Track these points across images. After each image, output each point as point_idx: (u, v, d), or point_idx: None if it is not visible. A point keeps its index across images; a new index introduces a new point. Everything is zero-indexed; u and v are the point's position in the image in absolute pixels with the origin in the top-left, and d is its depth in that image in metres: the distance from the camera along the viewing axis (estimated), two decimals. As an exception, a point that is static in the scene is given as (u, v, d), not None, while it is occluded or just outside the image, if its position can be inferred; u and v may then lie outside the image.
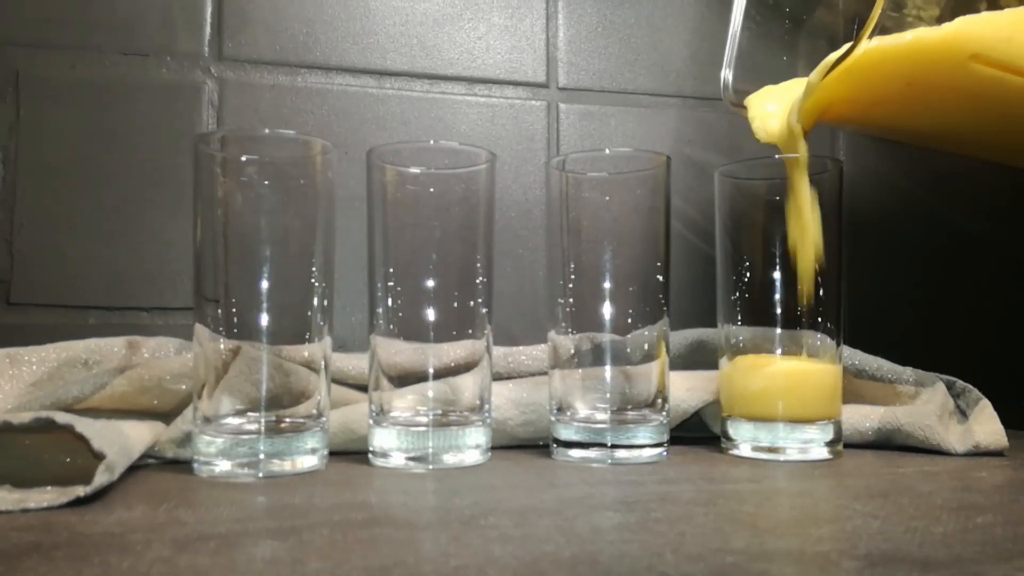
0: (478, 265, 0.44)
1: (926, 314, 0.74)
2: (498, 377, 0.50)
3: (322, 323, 0.41)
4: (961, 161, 0.73)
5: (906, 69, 0.43)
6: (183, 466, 0.40)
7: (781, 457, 0.45)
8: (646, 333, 0.45)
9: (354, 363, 0.48)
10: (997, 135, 0.48)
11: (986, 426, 0.46)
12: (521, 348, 0.53)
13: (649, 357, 0.45)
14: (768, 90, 0.51)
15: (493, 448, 0.44)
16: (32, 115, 0.58)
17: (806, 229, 0.45)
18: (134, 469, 0.38)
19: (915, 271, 0.74)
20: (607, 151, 0.49)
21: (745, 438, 0.46)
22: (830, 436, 0.45)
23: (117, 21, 0.60)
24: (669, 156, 0.46)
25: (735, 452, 0.46)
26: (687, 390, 0.50)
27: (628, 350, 0.45)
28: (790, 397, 0.45)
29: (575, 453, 0.44)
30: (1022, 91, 0.43)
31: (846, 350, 0.51)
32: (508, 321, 0.64)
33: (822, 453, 0.45)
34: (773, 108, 0.49)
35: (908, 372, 0.51)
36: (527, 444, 0.48)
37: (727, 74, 0.51)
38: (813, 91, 0.45)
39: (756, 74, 0.51)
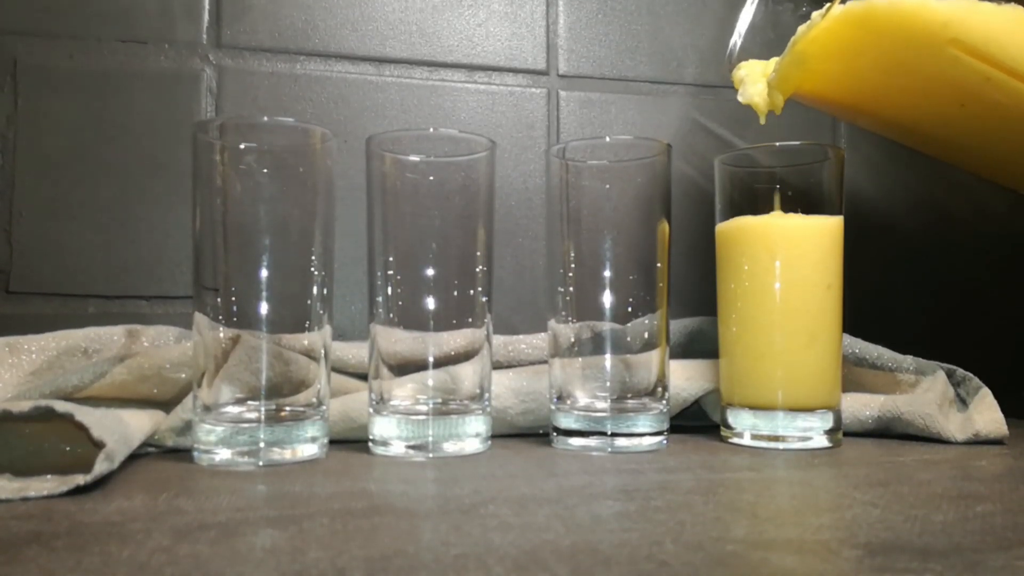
0: (478, 253, 0.43)
1: (927, 302, 0.74)
2: (498, 366, 0.50)
3: (322, 312, 0.41)
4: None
5: (884, 41, 0.42)
6: (183, 455, 0.40)
7: (781, 445, 0.45)
8: (646, 322, 0.45)
9: (354, 352, 0.48)
10: (981, 139, 0.48)
11: (986, 415, 0.46)
12: (521, 337, 0.53)
13: (649, 345, 0.45)
14: (758, 62, 0.50)
15: (493, 437, 0.45)
16: (30, 104, 0.57)
17: None
18: (134, 458, 0.38)
19: (916, 259, 0.74)
20: (607, 139, 0.49)
21: (745, 426, 0.46)
22: (829, 424, 0.45)
23: (115, 9, 0.59)
24: (670, 144, 0.45)
25: (735, 441, 0.46)
26: (687, 379, 0.50)
27: (628, 339, 0.44)
28: (789, 383, 0.45)
29: (575, 441, 0.44)
30: (1002, 88, 0.42)
31: (846, 338, 0.51)
32: (508, 310, 0.64)
33: (822, 441, 0.45)
34: (757, 73, 0.49)
35: (908, 360, 0.51)
36: (527, 433, 0.48)
37: (735, 41, 0.51)
38: (794, 48, 0.45)
39: (765, 49, 0.51)
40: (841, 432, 0.46)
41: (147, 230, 0.59)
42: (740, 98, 0.49)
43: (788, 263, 0.45)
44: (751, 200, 0.47)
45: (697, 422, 0.51)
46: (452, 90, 0.66)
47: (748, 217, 0.46)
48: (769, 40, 0.51)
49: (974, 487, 0.34)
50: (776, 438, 0.45)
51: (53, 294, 0.57)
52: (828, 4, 0.42)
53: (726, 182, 0.48)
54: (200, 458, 0.38)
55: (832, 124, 0.73)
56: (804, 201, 0.46)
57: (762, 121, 0.48)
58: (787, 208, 0.46)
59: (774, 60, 0.49)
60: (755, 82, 0.48)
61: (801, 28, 0.45)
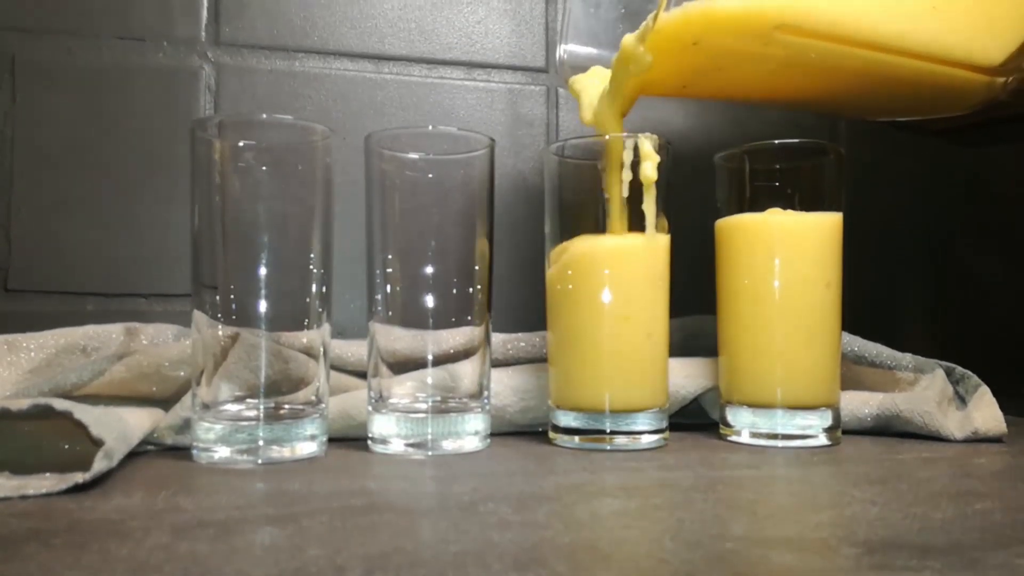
0: (477, 251, 0.43)
1: (927, 300, 0.74)
2: (497, 364, 0.50)
3: (321, 309, 0.41)
4: (963, 150, 0.72)
5: (714, 40, 0.42)
6: (182, 452, 0.40)
7: (779, 443, 0.45)
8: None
9: (353, 350, 0.48)
10: (830, 94, 0.48)
11: (985, 412, 0.46)
12: (520, 335, 0.53)
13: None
14: (597, 70, 0.49)
15: (492, 434, 0.44)
16: (28, 100, 0.57)
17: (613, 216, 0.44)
18: (133, 456, 0.38)
19: (916, 257, 0.74)
20: (607, 137, 0.49)
21: (744, 424, 0.46)
22: (828, 422, 0.45)
23: (114, 6, 0.59)
24: (668, 141, 0.45)
25: (734, 439, 0.46)
26: (685, 376, 0.50)
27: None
28: (788, 381, 0.45)
29: (574, 439, 0.44)
30: (835, 55, 0.42)
31: (845, 336, 0.51)
32: (507, 307, 0.64)
33: (821, 439, 0.45)
34: (594, 88, 0.47)
35: (907, 358, 0.51)
36: (526, 430, 0.48)
37: (562, 50, 0.49)
38: (626, 62, 0.44)
39: (594, 45, 0.50)
40: (840, 430, 0.46)
41: (146, 227, 0.59)
42: (583, 117, 0.47)
43: (786, 260, 0.45)
44: (751, 197, 0.47)
45: (696, 420, 0.51)
46: (451, 87, 0.65)
47: (747, 214, 0.47)
48: (596, 35, 0.50)
49: (973, 485, 0.34)
50: (775, 436, 0.45)
51: (52, 292, 0.57)
52: (655, 10, 0.42)
53: (725, 179, 0.48)
54: (199, 456, 0.38)
55: (831, 122, 0.73)
56: (804, 199, 0.46)
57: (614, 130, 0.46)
58: (787, 206, 0.46)
59: (603, 72, 0.48)
60: (592, 101, 0.47)
61: (628, 38, 0.44)
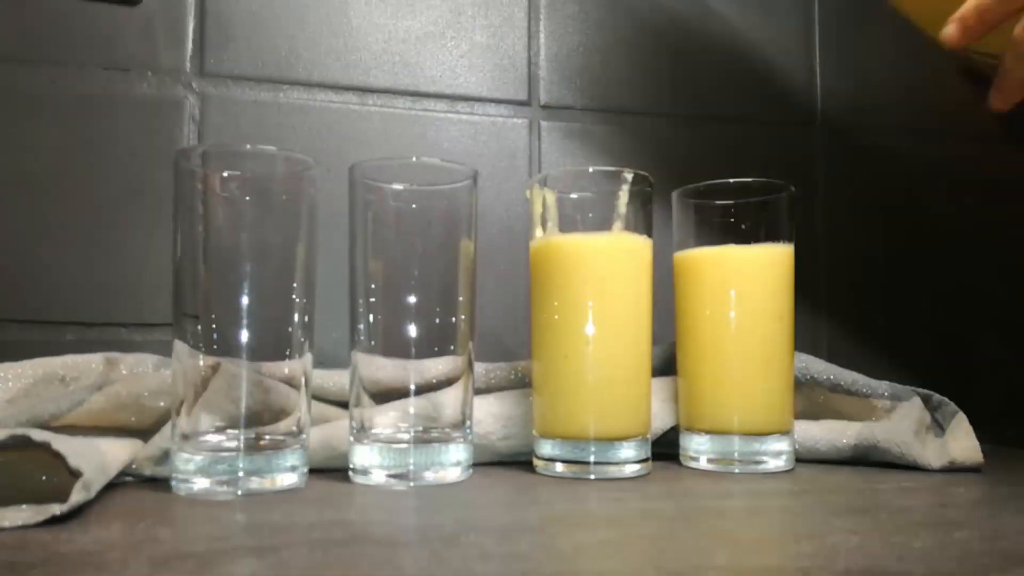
0: (460, 281, 0.44)
1: (904, 330, 0.75)
2: (479, 392, 0.50)
3: (303, 339, 0.41)
4: (951, 175, 0.74)
5: None
6: (161, 484, 0.40)
7: (736, 469, 0.46)
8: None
9: (335, 379, 0.48)
10: None
11: (962, 442, 0.47)
12: (502, 364, 0.53)
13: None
14: None
15: (475, 465, 0.44)
16: (11, 129, 0.57)
17: None
18: (111, 487, 0.38)
19: (892, 287, 0.75)
20: (590, 170, 0.49)
21: (702, 451, 0.47)
22: (784, 448, 0.46)
23: (98, 36, 0.59)
24: (646, 174, 0.46)
25: (692, 465, 0.48)
26: (660, 410, 0.50)
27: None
28: (745, 408, 0.47)
29: (557, 469, 0.44)
30: None
31: (821, 364, 0.52)
32: (491, 337, 0.64)
33: (777, 464, 0.46)
34: None
35: (883, 386, 0.52)
36: (509, 460, 0.48)
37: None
38: None
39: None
40: (794, 455, 0.47)
41: (127, 257, 0.59)
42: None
43: (741, 291, 0.47)
44: (707, 231, 0.49)
45: (676, 450, 0.51)
46: (435, 120, 0.66)
47: (703, 248, 0.48)
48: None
49: (952, 514, 0.34)
50: (732, 462, 0.46)
51: (30, 321, 0.57)
52: None
53: (682, 214, 0.50)
54: (178, 487, 0.38)
55: (813, 158, 0.74)
56: (757, 233, 0.48)
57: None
58: (740, 240, 0.48)
59: None
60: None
61: None
